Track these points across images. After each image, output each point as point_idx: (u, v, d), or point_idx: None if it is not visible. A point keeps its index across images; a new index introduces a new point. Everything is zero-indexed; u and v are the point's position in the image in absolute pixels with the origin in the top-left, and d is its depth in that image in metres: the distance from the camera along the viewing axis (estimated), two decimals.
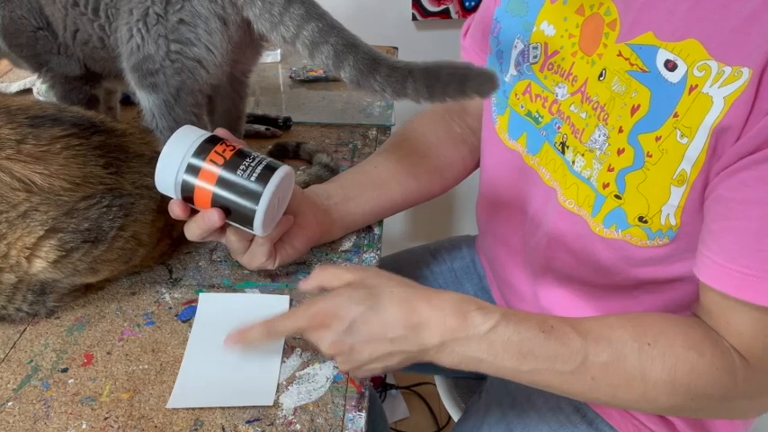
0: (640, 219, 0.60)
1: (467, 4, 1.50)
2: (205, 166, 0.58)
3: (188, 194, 0.59)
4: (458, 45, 0.87)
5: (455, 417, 1.01)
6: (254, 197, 0.58)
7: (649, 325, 0.57)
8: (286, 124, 0.99)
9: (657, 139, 0.56)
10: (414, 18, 1.51)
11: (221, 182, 0.58)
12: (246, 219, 0.59)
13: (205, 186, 0.58)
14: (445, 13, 1.51)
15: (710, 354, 0.54)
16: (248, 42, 0.72)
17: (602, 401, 0.60)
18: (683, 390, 0.55)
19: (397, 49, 1.26)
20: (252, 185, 0.58)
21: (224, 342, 0.59)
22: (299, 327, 0.58)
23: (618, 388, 0.56)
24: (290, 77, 1.15)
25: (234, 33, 0.69)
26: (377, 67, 0.61)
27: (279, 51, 1.22)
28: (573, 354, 0.55)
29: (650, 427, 0.73)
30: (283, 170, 0.60)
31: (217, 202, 0.59)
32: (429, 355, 0.57)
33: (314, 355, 0.62)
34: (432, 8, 1.50)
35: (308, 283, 0.61)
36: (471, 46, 0.84)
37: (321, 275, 0.60)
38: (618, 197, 0.61)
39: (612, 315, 0.60)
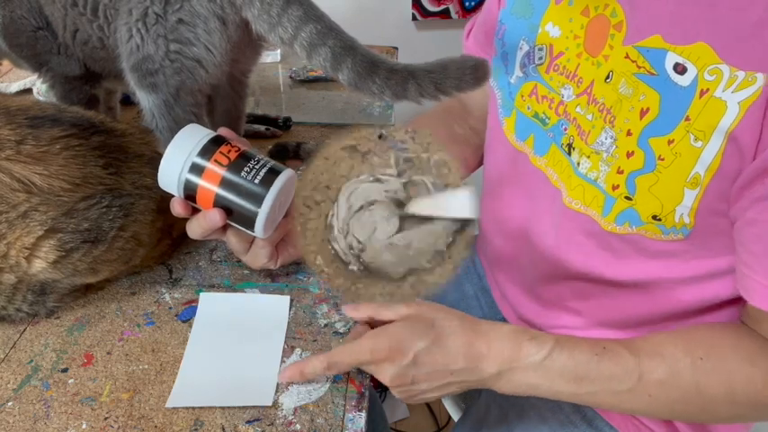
0: (654, 217, 0.60)
1: (467, 4, 1.50)
2: (209, 166, 0.58)
3: (190, 193, 0.59)
4: (458, 45, 0.87)
5: (455, 417, 1.01)
6: (257, 200, 0.58)
7: (700, 339, 0.58)
8: (286, 124, 0.99)
9: (670, 142, 0.56)
10: (414, 18, 1.51)
11: (225, 183, 0.58)
12: (248, 221, 0.59)
13: (208, 186, 0.58)
14: (445, 13, 1.51)
15: (764, 363, 0.55)
16: (247, 42, 0.72)
17: (663, 416, 0.62)
18: (744, 400, 0.56)
19: (397, 49, 1.25)
20: (255, 188, 0.58)
21: (280, 378, 0.59)
22: (360, 361, 0.58)
23: (676, 403, 0.57)
24: (290, 77, 1.15)
25: (233, 33, 0.69)
26: (375, 69, 0.61)
27: (279, 51, 1.22)
28: (628, 373, 0.57)
29: (651, 428, 0.73)
30: (286, 174, 0.60)
31: (219, 203, 0.59)
32: (487, 384, 0.60)
33: (314, 354, 0.62)
34: (432, 8, 1.50)
35: (359, 312, 0.61)
36: (474, 47, 0.83)
37: (374, 306, 0.60)
38: (629, 198, 0.60)
39: (662, 332, 0.61)
